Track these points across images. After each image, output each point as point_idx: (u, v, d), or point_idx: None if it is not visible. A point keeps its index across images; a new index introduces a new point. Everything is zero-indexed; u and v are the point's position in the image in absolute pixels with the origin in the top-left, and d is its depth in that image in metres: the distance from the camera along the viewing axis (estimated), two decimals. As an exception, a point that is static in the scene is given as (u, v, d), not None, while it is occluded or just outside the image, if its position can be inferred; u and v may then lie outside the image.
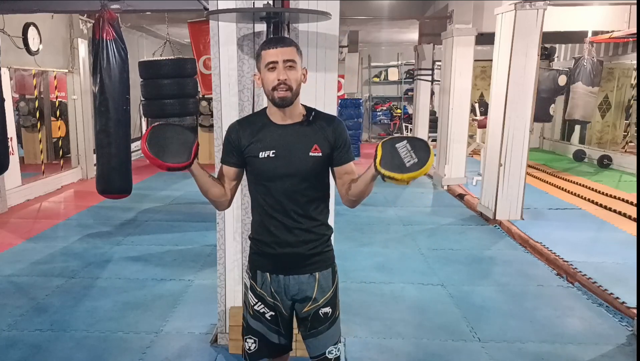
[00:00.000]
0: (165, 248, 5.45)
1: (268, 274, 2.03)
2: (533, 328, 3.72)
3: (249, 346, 2.13)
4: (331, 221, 2.21)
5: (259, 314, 2.07)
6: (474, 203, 7.09)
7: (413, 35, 11.54)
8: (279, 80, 1.85)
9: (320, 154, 1.94)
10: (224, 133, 3.08)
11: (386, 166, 1.73)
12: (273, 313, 2.06)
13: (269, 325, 2.08)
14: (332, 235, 2.11)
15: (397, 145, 1.74)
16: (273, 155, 1.92)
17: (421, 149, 1.73)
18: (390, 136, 1.84)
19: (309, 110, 1.99)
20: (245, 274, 2.13)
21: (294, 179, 1.92)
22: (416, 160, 1.70)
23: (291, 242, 1.96)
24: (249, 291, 2.10)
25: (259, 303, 2.06)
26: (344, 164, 1.99)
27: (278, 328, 2.08)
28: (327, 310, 2.05)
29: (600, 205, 6.98)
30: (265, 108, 2.01)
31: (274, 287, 2.03)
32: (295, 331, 2.16)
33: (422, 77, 10.77)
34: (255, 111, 3.01)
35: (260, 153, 1.93)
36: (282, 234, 1.96)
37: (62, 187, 8.54)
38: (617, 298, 4.01)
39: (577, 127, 12.10)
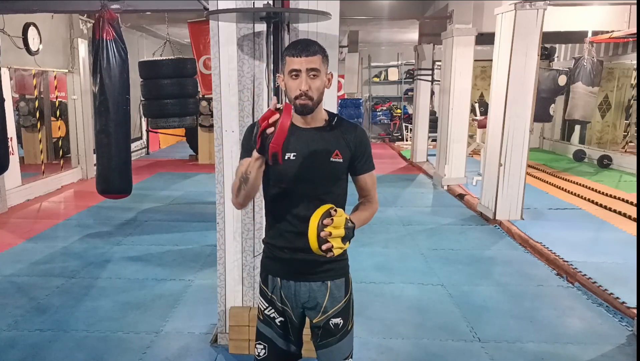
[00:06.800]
0: (165, 248, 5.45)
1: (279, 279, 2.01)
2: (533, 328, 3.72)
3: (259, 352, 2.09)
4: None
5: (269, 319, 2.05)
6: (474, 203, 7.09)
7: (413, 35, 11.54)
8: (300, 90, 1.83)
9: (341, 160, 1.91)
10: (224, 133, 3.12)
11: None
12: (282, 319, 2.04)
13: (278, 330, 2.05)
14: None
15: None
16: (293, 158, 1.88)
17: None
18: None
19: (331, 115, 1.97)
20: (259, 278, 2.10)
21: (312, 184, 1.89)
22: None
23: (304, 248, 1.85)
24: (260, 296, 2.08)
25: (270, 308, 2.04)
26: (359, 175, 1.99)
27: (287, 335, 2.06)
28: (338, 320, 2.01)
29: (600, 205, 6.98)
30: None
31: (284, 292, 2.00)
32: (305, 332, 2.12)
33: (422, 77, 10.77)
34: (254, 110, 3.01)
35: None
36: (295, 239, 1.90)
37: (62, 187, 8.54)
38: (617, 298, 4.01)
39: (577, 127, 12.10)
